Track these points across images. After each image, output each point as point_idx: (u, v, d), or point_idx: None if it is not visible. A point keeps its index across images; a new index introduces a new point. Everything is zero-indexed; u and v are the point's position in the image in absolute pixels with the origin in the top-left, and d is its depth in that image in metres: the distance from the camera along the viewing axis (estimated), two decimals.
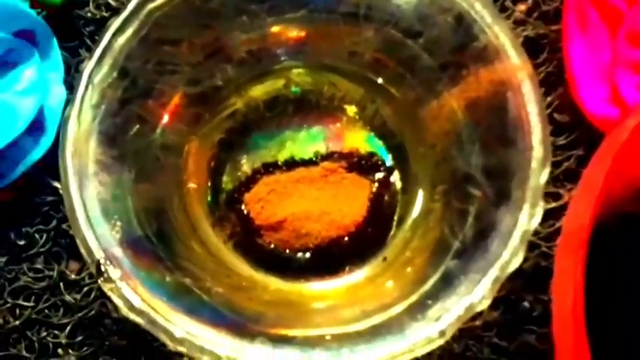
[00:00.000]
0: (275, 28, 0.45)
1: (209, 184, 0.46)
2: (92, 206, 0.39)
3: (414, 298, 0.39)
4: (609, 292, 0.39)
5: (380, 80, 0.45)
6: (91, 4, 0.49)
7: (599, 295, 0.36)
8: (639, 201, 0.41)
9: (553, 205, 0.45)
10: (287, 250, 0.45)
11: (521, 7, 0.48)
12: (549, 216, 0.44)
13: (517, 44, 0.40)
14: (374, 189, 0.46)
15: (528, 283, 0.44)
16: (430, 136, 0.44)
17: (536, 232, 0.40)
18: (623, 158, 0.35)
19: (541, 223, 0.38)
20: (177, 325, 0.37)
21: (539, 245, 0.44)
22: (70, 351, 0.45)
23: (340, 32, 0.44)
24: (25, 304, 0.46)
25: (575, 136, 0.46)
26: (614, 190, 0.37)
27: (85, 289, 0.46)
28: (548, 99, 0.46)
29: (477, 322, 0.44)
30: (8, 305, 0.46)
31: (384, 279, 0.43)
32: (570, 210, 0.35)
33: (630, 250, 0.40)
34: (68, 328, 0.46)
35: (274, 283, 0.44)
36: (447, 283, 0.39)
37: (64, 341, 0.45)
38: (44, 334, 0.46)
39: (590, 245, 0.34)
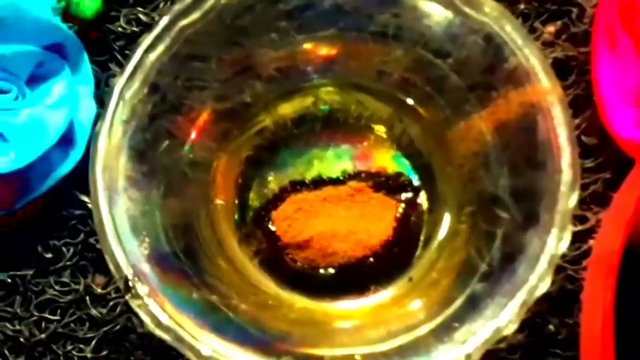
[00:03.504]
0: (305, 46, 0.45)
1: (236, 201, 0.46)
2: (121, 222, 0.39)
3: (439, 319, 0.39)
4: (636, 316, 0.39)
5: (408, 100, 0.45)
6: (121, 19, 0.49)
7: (626, 319, 0.36)
8: None
9: (580, 227, 0.44)
10: (313, 269, 0.45)
11: (550, 28, 0.48)
12: (576, 239, 0.44)
13: (547, 67, 0.40)
14: (400, 209, 0.45)
15: (554, 306, 0.44)
16: (458, 157, 0.44)
17: (562, 255, 0.39)
18: None
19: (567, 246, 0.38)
20: (204, 342, 0.37)
21: (566, 268, 0.44)
22: None
23: (369, 51, 0.44)
24: (51, 317, 0.46)
25: (603, 159, 0.46)
26: None
27: (111, 303, 0.46)
28: (576, 121, 0.46)
29: (502, 345, 0.43)
30: (34, 318, 0.46)
31: (409, 300, 0.43)
32: (600, 235, 0.35)
33: None
34: (94, 342, 0.46)
35: (300, 301, 0.44)
36: (473, 306, 0.39)
37: (89, 355, 0.45)
38: (70, 347, 0.46)
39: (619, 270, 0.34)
